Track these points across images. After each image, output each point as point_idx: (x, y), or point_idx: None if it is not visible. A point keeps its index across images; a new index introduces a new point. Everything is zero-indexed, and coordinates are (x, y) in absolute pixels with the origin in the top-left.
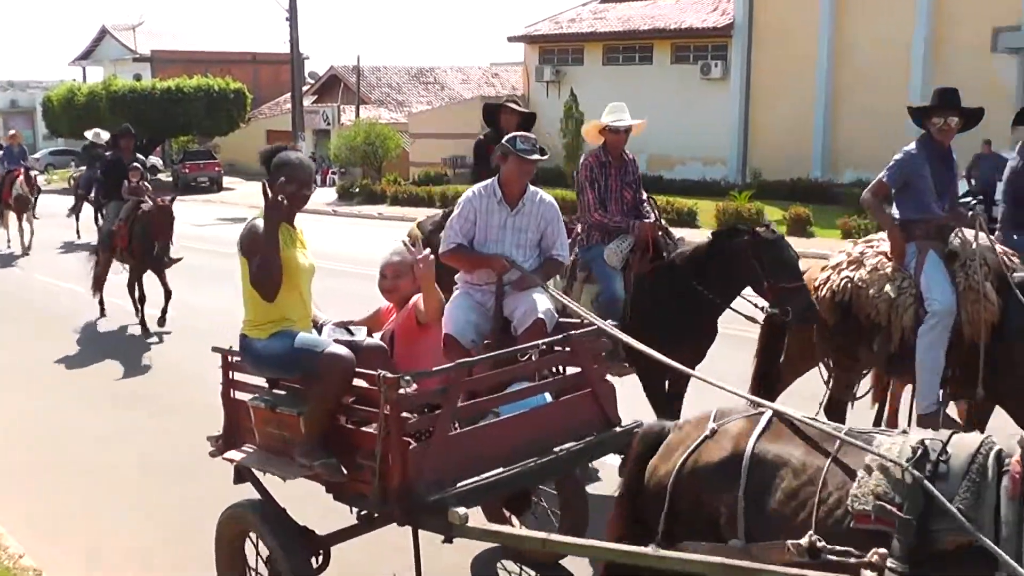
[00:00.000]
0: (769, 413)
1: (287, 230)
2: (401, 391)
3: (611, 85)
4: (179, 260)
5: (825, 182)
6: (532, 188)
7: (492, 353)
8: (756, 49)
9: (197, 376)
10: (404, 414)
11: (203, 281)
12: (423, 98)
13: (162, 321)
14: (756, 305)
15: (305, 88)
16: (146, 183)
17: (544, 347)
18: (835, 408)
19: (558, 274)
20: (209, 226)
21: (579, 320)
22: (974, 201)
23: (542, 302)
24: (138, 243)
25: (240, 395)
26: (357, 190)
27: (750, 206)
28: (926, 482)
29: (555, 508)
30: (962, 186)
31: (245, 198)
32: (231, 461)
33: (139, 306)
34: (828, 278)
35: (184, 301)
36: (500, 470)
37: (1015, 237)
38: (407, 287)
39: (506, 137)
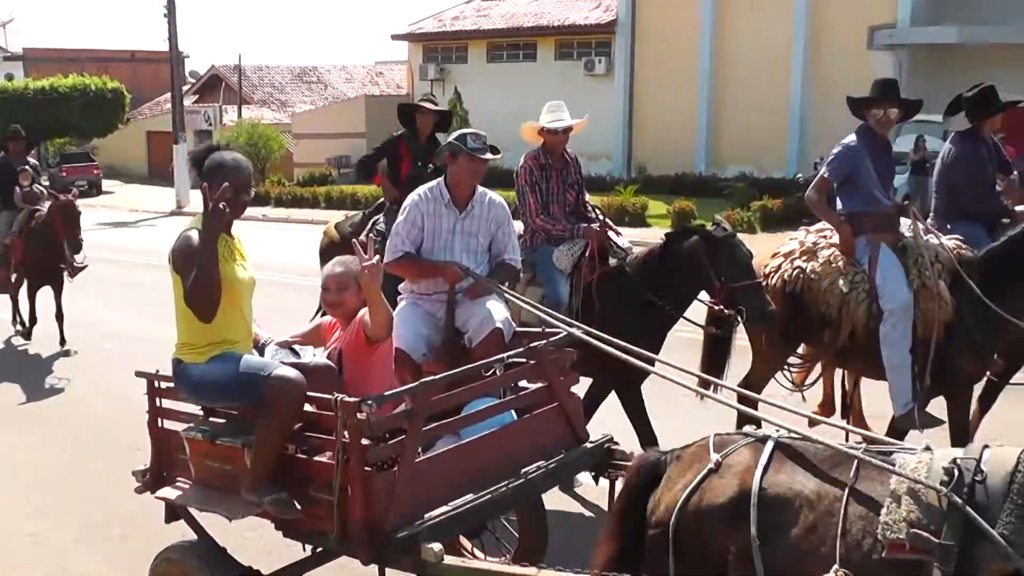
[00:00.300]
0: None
1: (224, 240)
2: (361, 416)
3: (495, 82)
4: (85, 268)
5: (709, 176)
6: (480, 189)
7: (458, 369)
8: (639, 45)
9: (86, 387)
10: (365, 441)
11: (85, 288)
12: (306, 98)
13: (63, 343)
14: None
15: (186, 88)
16: (40, 186)
17: (508, 360)
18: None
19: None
20: (90, 231)
21: (539, 328)
22: None
23: (498, 311)
24: (35, 255)
25: (170, 424)
26: None
27: (635, 200)
28: (968, 509)
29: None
30: None
31: (126, 201)
32: (165, 500)
33: (31, 315)
34: (780, 266)
35: (64, 309)
36: (470, 497)
37: (948, 227)
38: (352, 301)
39: (454, 135)
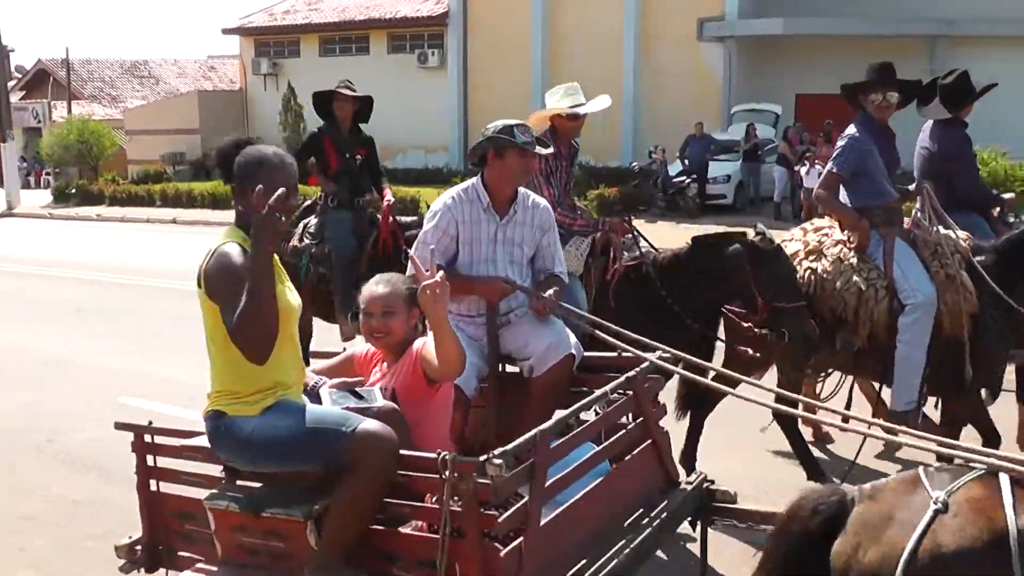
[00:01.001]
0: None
1: None
2: (485, 480)
3: (329, 76)
4: None
5: None
6: (522, 190)
7: (572, 408)
8: (472, 37)
9: None
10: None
11: None
12: (138, 93)
13: None
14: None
15: (12, 83)
16: None
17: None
18: None
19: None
20: None
21: (614, 353)
22: (688, 180)
23: (565, 333)
24: None
25: (167, 487)
26: (74, 191)
27: None
28: None
29: None
30: (676, 167)
31: None
32: None
33: None
34: None
35: None
36: (587, 564)
37: None
38: (401, 329)
39: (497, 127)
